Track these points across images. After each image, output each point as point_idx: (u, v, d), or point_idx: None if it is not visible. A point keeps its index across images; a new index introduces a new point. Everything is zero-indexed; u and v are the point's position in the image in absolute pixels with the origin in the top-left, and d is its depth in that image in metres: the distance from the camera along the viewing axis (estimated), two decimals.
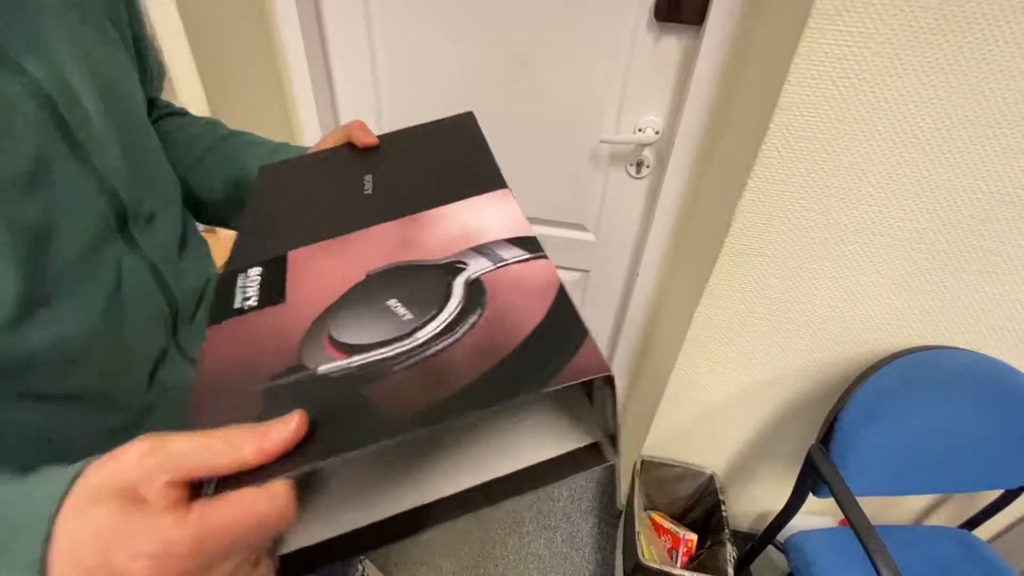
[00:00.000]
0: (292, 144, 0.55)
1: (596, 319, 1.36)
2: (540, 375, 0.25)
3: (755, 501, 1.27)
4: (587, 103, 1.02)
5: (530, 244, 0.35)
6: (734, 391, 1.06)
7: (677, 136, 0.97)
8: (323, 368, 0.28)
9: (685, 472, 1.20)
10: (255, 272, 0.36)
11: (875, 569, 0.73)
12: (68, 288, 0.35)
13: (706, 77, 0.89)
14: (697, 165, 0.99)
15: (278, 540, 0.27)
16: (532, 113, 1.04)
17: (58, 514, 0.22)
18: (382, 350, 0.28)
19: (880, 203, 0.77)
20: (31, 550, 0.22)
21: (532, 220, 1.20)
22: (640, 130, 1.02)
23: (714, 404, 1.09)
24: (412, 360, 0.28)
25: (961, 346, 0.91)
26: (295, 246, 0.38)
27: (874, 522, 0.78)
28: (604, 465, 0.30)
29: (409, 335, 0.29)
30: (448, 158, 0.46)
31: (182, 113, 0.57)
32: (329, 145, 0.51)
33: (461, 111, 0.54)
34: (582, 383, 0.25)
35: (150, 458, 0.22)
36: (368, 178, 0.44)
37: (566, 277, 1.28)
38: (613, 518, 1.40)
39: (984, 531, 1.05)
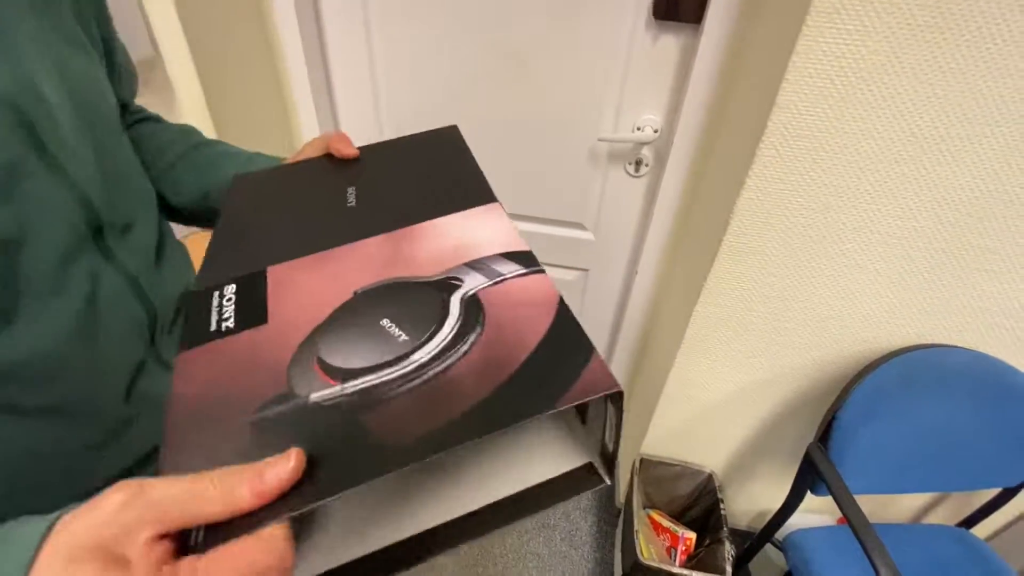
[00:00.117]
0: (267, 154, 0.54)
1: (595, 318, 1.36)
2: (547, 394, 0.24)
3: (753, 499, 1.27)
4: (585, 102, 1.02)
5: (526, 259, 0.33)
6: (733, 389, 1.06)
7: (676, 135, 0.97)
8: (316, 395, 0.26)
9: (684, 470, 1.20)
10: (231, 290, 0.34)
11: (873, 567, 0.73)
12: (41, 300, 0.34)
13: (704, 75, 0.89)
14: (696, 164, 0.99)
15: None
16: (531, 112, 1.04)
17: (30, 571, 0.20)
18: (378, 374, 0.27)
19: (878, 201, 0.77)
20: None
21: (531, 219, 1.20)
22: (639, 129, 1.02)
23: (713, 402, 1.09)
24: (411, 384, 0.26)
25: (959, 344, 0.91)
26: (274, 261, 0.36)
27: (872, 520, 0.78)
28: (597, 488, 0.29)
29: (406, 357, 0.28)
30: (434, 171, 0.44)
31: (155, 119, 0.56)
32: (307, 155, 0.50)
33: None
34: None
35: (130, 511, 0.20)
36: (351, 190, 0.42)
37: (565, 276, 1.28)
38: (612, 516, 1.40)
39: (982, 529, 1.05)
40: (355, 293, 0.32)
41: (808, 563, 0.92)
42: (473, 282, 0.32)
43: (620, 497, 1.40)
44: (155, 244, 0.45)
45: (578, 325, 0.28)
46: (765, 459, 1.18)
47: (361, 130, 1.13)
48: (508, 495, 0.29)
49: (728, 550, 1.06)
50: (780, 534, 1.01)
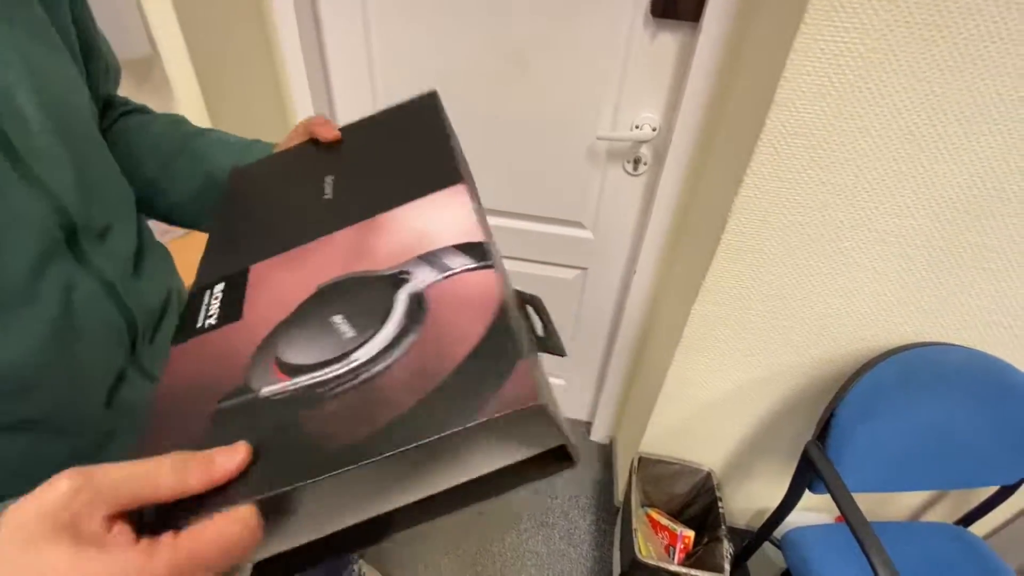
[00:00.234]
0: (264, 141, 0.53)
1: (594, 316, 1.36)
2: (470, 405, 0.24)
3: (752, 498, 1.28)
4: (584, 100, 1.01)
5: (478, 251, 0.32)
6: (731, 388, 1.06)
7: (674, 133, 0.97)
8: (266, 390, 0.27)
9: (682, 469, 1.20)
10: (219, 288, 0.35)
11: (871, 565, 0.73)
12: (12, 310, 0.33)
13: (703, 73, 0.89)
14: (694, 162, 0.99)
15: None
16: (529, 111, 1.04)
17: None
18: (321, 372, 0.27)
19: (876, 199, 0.77)
20: None
21: (529, 218, 1.20)
22: (637, 127, 1.02)
23: (711, 401, 1.10)
24: (348, 384, 0.26)
25: (957, 342, 0.91)
26: (257, 259, 0.36)
27: (870, 518, 0.78)
28: (564, 470, 0.28)
29: (348, 355, 0.28)
30: (405, 151, 0.43)
31: (143, 110, 0.55)
32: (294, 142, 0.49)
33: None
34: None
35: (83, 494, 0.21)
36: (329, 180, 0.43)
37: (564, 275, 1.28)
38: (610, 515, 1.40)
39: (980, 527, 1.05)
40: (319, 288, 0.33)
41: (806, 561, 0.92)
42: (422, 277, 0.31)
43: (618, 495, 1.40)
44: (133, 250, 0.44)
45: (512, 329, 0.26)
46: (763, 457, 1.18)
47: None
48: (469, 479, 0.28)
49: (726, 548, 1.06)
50: (778, 532, 1.01)
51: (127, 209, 0.45)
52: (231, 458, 0.24)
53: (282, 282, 0.34)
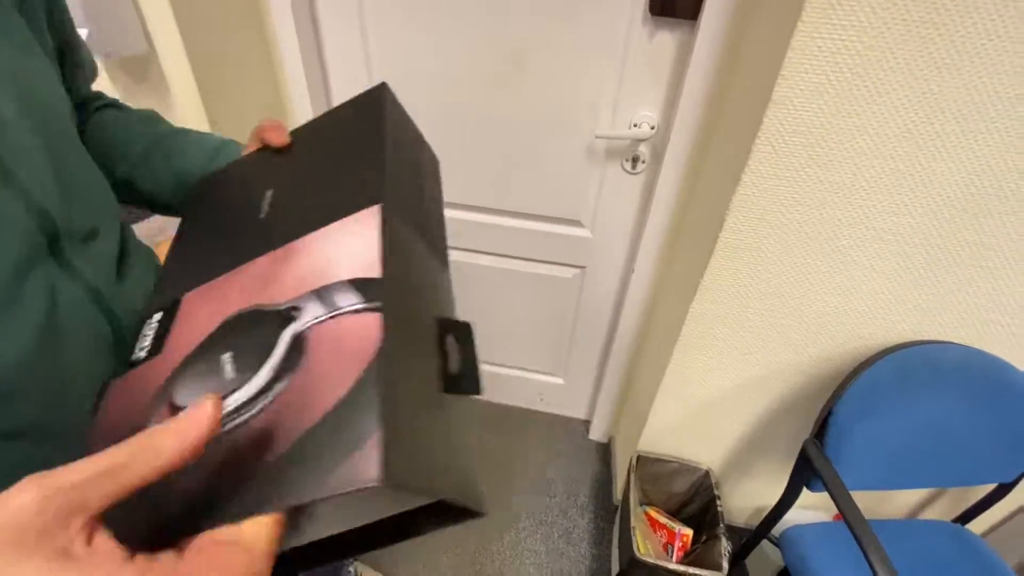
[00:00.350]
0: (235, 143, 0.53)
1: (592, 315, 1.36)
2: (312, 479, 0.22)
3: (750, 496, 1.28)
4: (582, 99, 1.01)
5: (371, 290, 0.28)
6: (729, 386, 1.06)
7: (672, 131, 0.96)
8: None
9: (681, 467, 1.20)
10: (156, 319, 0.33)
11: (869, 563, 0.73)
12: None
13: (701, 72, 0.89)
14: (692, 160, 0.99)
15: None
16: (528, 110, 1.04)
17: None
18: None
19: (874, 197, 0.77)
20: None
21: (528, 216, 1.20)
22: (635, 125, 1.02)
23: (709, 399, 1.10)
24: (219, 431, 0.24)
25: (955, 341, 0.91)
26: (189, 288, 0.35)
27: (868, 516, 0.78)
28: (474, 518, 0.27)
29: (224, 399, 0.26)
30: (340, 160, 0.39)
31: (117, 105, 0.54)
32: (252, 147, 0.49)
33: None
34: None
35: (49, 504, 0.19)
36: (268, 195, 0.40)
37: (562, 274, 1.28)
38: (609, 514, 1.40)
39: (978, 525, 1.05)
40: (222, 322, 0.31)
41: (804, 559, 0.92)
42: (310, 314, 0.28)
43: (617, 494, 1.40)
44: (117, 252, 0.44)
45: (375, 389, 0.23)
46: (761, 455, 1.18)
47: None
48: (377, 519, 0.27)
49: (724, 546, 1.06)
50: (776, 530, 1.01)
51: (110, 212, 0.44)
52: (201, 410, 0.22)
53: (200, 314, 0.32)
